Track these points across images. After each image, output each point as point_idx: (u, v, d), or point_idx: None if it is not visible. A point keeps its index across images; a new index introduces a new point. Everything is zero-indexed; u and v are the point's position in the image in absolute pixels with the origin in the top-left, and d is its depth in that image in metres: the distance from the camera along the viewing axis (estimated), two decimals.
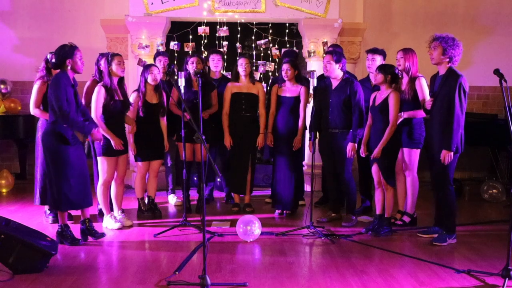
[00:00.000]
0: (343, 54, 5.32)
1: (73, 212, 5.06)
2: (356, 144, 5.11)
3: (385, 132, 4.82)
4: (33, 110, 5.17)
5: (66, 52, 4.40)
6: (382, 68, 4.88)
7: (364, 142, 5.03)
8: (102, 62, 4.95)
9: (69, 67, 4.42)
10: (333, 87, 5.23)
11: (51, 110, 4.41)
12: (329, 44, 6.52)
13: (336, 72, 5.17)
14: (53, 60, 4.48)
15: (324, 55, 5.34)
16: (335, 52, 5.20)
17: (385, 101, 4.83)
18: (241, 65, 5.62)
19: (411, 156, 5.08)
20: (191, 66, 5.58)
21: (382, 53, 5.51)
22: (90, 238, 4.65)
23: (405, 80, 5.06)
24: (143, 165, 5.42)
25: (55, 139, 4.38)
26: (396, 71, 4.88)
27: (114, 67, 4.87)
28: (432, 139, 4.71)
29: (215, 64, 5.94)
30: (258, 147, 5.71)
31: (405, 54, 5.02)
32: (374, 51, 5.49)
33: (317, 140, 5.34)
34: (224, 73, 6.32)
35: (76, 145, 4.49)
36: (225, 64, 6.53)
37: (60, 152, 4.38)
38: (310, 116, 5.32)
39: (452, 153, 4.48)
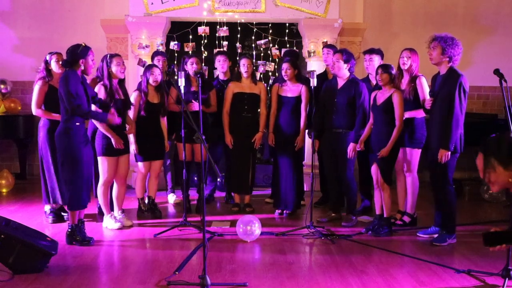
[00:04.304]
0: (353, 55, 5.31)
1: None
2: (357, 145, 5.11)
3: (386, 132, 4.82)
4: (35, 111, 5.16)
5: (80, 52, 4.44)
6: (385, 68, 4.87)
7: (363, 140, 5.03)
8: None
9: (81, 67, 4.45)
10: (339, 87, 5.22)
11: (63, 109, 4.43)
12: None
13: (343, 72, 5.16)
14: (65, 58, 4.48)
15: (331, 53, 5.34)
16: (345, 52, 5.19)
17: (388, 101, 4.83)
18: (243, 66, 5.62)
19: (412, 156, 5.08)
20: (191, 67, 5.59)
21: (379, 52, 5.51)
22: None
23: (405, 79, 5.07)
24: (144, 166, 5.42)
25: (68, 138, 4.39)
26: (393, 71, 4.88)
27: (113, 68, 4.87)
28: (431, 138, 4.70)
29: (222, 65, 5.95)
30: (255, 145, 5.70)
31: (412, 54, 5.02)
32: (371, 51, 5.49)
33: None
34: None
35: (87, 145, 4.54)
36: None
37: (74, 151, 4.40)
38: (313, 116, 5.30)
39: (449, 152, 4.48)
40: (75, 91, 4.35)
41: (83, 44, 4.50)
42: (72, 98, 4.32)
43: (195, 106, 5.47)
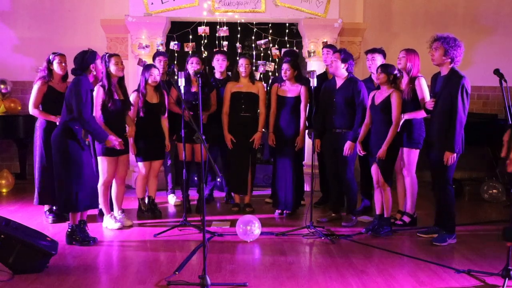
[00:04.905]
0: (352, 56, 5.31)
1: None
2: (354, 144, 5.11)
3: (385, 132, 4.82)
4: (32, 110, 5.15)
5: (89, 58, 4.46)
6: (384, 68, 4.87)
7: (360, 141, 5.03)
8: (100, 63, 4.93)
9: (93, 72, 4.49)
10: (338, 87, 5.22)
11: (66, 110, 4.42)
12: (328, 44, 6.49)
13: (341, 71, 5.16)
14: (74, 66, 4.47)
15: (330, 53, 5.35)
16: (343, 51, 5.20)
17: (387, 100, 4.83)
18: (242, 66, 5.62)
19: (410, 156, 5.08)
20: (190, 67, 5.60)
21: (381, 52, 5.50)
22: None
23: (404, 80, 5.06)
24: (144, 166, 5.41)
25: (67, 139, 4.38)
26: (395, 71, 4.87)
27: (112, 67, 4.86)
28: (432, 139, 4.70)
29: (220, 64, 5.96)
30: (254, 145, 5.70)
31: (408, 54, 5.01)
32: (373, 50, 5.49)
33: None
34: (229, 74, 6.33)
35: (85, 149, 4.54)
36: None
37: (72, 152, 4.39)
38: (313, 116, 5.30)
39: (455, 154, 4.48)
40: (85, 96, 4.36)
41: (89, 50, 4.53)
42: (85, 109, 4.34)
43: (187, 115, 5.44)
